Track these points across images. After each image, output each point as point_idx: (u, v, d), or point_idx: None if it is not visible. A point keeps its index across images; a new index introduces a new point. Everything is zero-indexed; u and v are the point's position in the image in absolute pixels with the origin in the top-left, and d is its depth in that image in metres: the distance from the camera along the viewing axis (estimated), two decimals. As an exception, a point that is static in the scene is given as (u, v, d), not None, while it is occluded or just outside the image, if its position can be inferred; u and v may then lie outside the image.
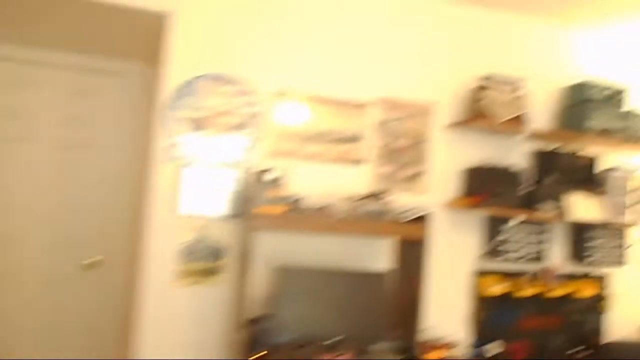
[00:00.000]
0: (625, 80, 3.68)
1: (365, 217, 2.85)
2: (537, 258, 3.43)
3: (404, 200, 3.19)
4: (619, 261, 3.62)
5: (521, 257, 3.38)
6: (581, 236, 3.56)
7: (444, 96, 3.35)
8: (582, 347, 3.53)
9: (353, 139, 3.13)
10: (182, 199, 2.84)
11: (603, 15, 3.45)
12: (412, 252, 2.96)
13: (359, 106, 3.15)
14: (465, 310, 3.37)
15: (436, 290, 3.29)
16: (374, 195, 2.97)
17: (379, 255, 3.17)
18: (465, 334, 3.36)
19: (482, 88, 3.20)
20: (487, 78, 3.23)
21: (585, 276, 3.64)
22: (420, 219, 2.89)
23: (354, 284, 2.89)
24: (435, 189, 3.30)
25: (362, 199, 2.93)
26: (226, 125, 2.93)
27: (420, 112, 3.28)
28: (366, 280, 2.92)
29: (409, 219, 2.90)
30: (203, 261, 2.87)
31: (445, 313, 3.32)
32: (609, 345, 3.60)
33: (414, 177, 3.25)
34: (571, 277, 3.58)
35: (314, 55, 3.11)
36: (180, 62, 2.88)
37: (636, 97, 3.72)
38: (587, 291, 3.59)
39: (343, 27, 3.18)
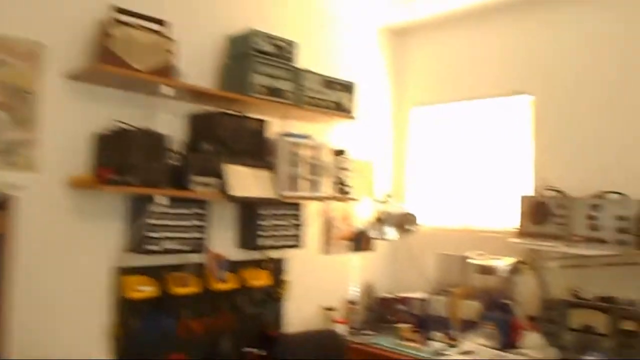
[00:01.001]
0: (293, 36, 3.21)
1: None
2: (198, 247, 2.77)
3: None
4: (294, 243, 3.20)
5: (177, 247, 2.67)
6: (249, 216, 3.02)
7: (61, 35, 2.41)
8: (259, 342, 3.03)
9: None
10: None
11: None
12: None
13: None
14: (103, 323, 2.53)
15: (52, 300, 2.37)
16: None
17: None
18: (107, 353, 2.53)
19: (114, 23, 2.37)
20: (122, 11, 2.41)
21: (258, 263, 3.13)
22: (3, 205, 1.94)
23: None
24: (50, 162, 2.36)
25: None
26: None
27: (23, 55, 2.29)
28: None
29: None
30: None
31: (74, 329, 2.44)
32: (285, 336, 3.17)
33: (15, 147, 2.26)
34: (241, 265, 3.03)
35: None
36: None
37: (307, 55, 3.29)
38: (260, 280, 3.09)
39: None
